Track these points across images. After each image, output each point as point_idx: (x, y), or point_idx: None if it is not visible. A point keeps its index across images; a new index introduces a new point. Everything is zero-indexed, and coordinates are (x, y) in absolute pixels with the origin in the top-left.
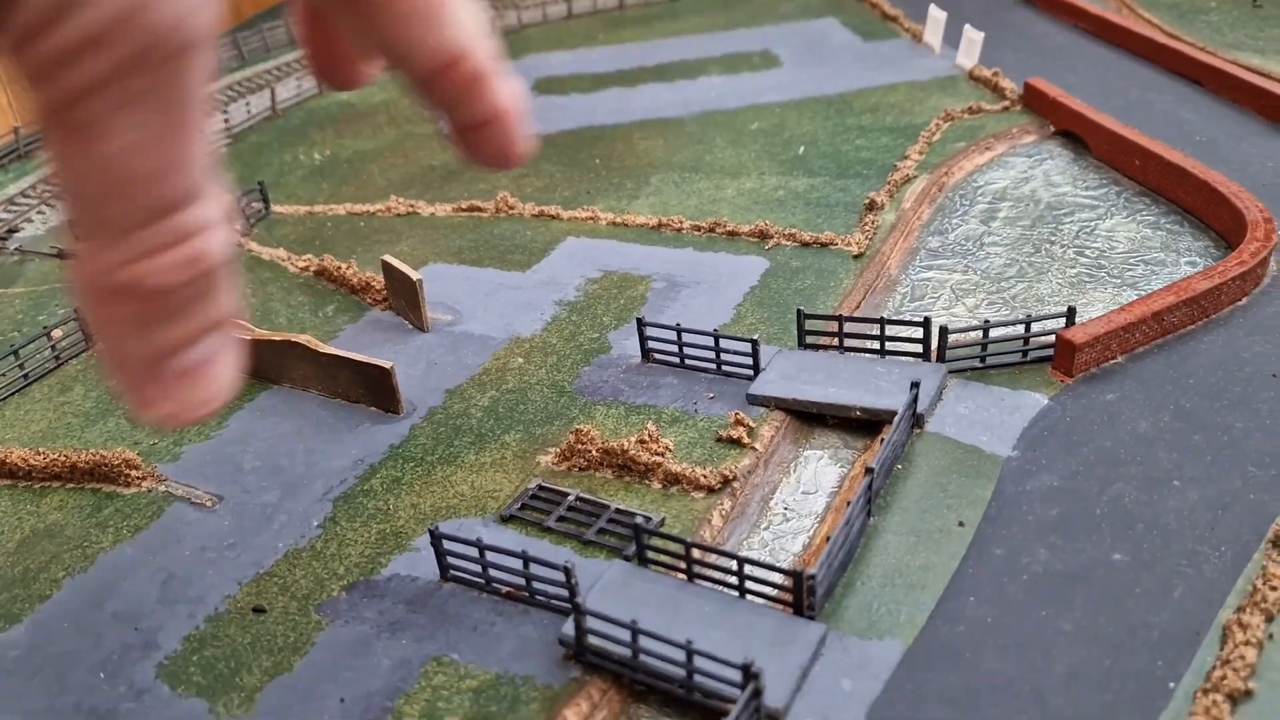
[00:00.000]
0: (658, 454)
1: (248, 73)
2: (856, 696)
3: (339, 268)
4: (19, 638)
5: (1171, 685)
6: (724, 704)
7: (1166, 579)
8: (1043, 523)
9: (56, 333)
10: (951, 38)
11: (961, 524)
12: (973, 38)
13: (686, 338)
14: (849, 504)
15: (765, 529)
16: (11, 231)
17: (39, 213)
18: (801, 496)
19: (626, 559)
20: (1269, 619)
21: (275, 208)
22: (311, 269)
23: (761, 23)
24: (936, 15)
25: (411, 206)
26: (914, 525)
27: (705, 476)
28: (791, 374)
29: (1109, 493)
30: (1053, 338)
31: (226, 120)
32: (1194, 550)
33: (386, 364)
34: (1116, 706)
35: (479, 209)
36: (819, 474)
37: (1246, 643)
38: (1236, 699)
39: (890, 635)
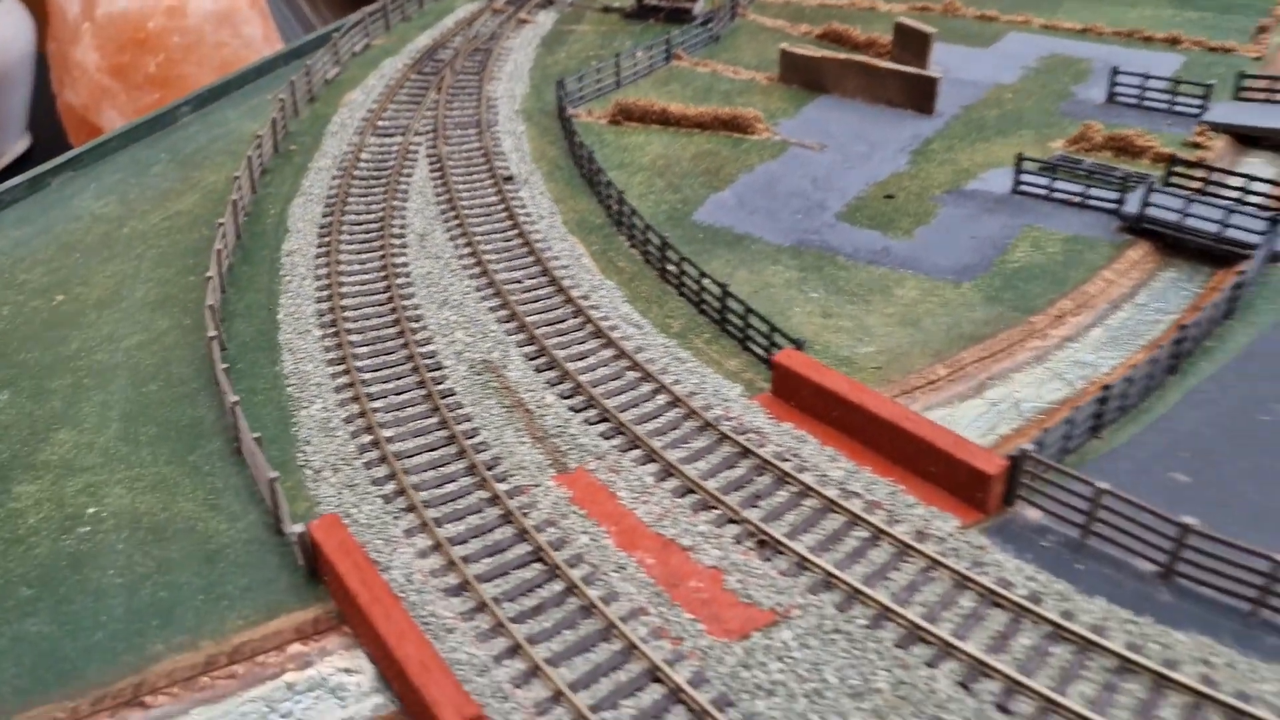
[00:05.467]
0: (1149, 144)
1: None
2: None
3: (845, 29)
4: (729, 197)
5: None
6: (1242, 250)
7: None
8: None
9: (641, 54)
10: None
11: None
12: None
13: (1149, 81)
14: None
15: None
16: None
17: None
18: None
19: (1150, 188)
20: None
21: None
22: (814, 33)
23: None
24: None
25: (873, 3)
26: None
27: (1186, 154)
28: (1236, 113)
29: None
30: None
31: None
32: None
33: (934, 74)
34: None
35: (929, 9)
36: (1258, 167)
37: None
38: None
39: None
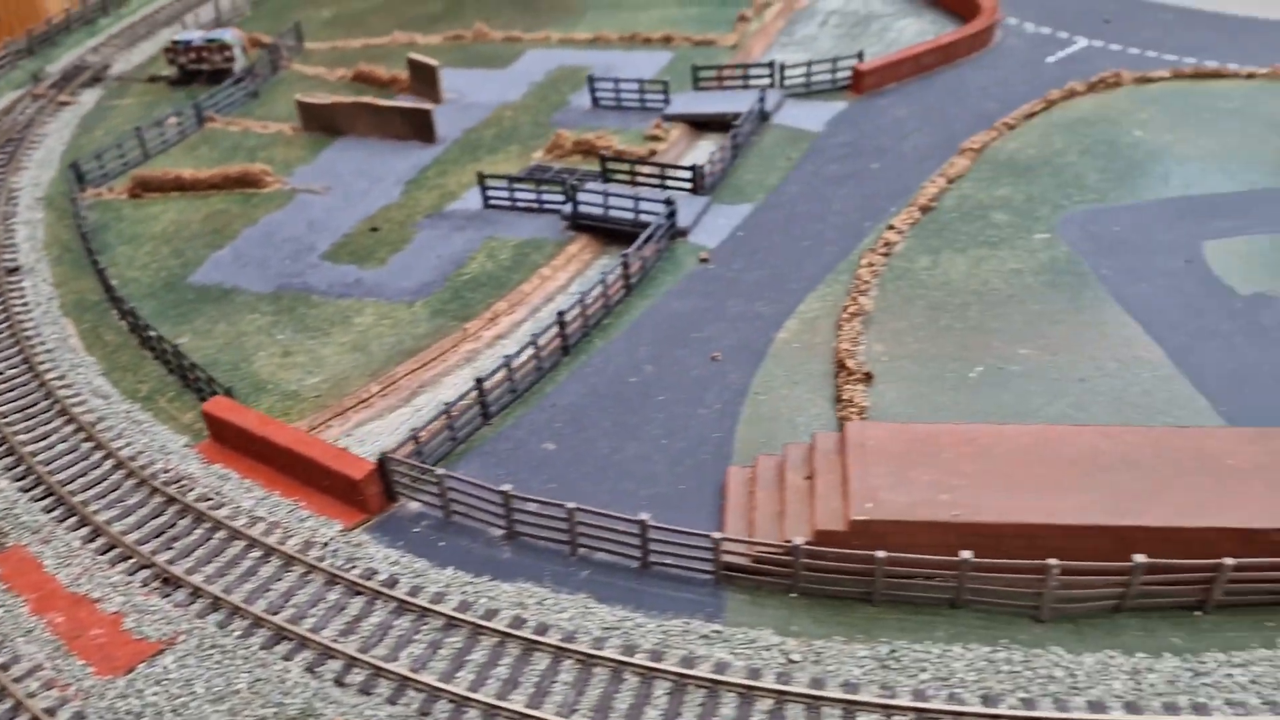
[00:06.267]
0: (607, 144)
1: None
2: (726, 225)
3: (371, 70)
4: (226, 254)
5: (873, 223)
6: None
7: (902, 172)
8: (835, 156)
9: (172, 120)
10: None
11: (789, 158)
12: None
13: (623, 86)
14: (733, 136)
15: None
16: (106, 68)
17: (122, 53)
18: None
19: (574, 186)
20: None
21: (307, 44)
22: (348, 77)
23: None
24: None
25: (411, 38)
26: (764, 158)
27: (638, 153)
28: (690, 103)
29: (873, 141)
30: (851, 71)
31: None
32: (921, 162)
33: (428, 107)
34: (857, 227)
35: (461, 36)
36: (707, 149)
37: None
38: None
39: (747, 202)
